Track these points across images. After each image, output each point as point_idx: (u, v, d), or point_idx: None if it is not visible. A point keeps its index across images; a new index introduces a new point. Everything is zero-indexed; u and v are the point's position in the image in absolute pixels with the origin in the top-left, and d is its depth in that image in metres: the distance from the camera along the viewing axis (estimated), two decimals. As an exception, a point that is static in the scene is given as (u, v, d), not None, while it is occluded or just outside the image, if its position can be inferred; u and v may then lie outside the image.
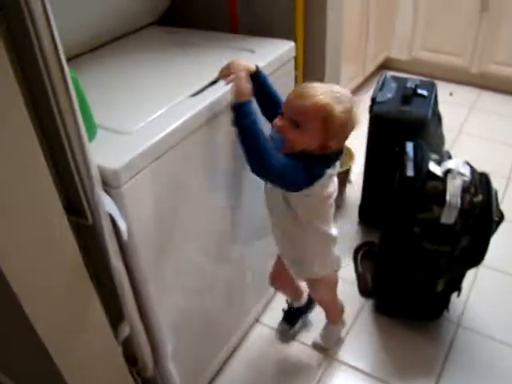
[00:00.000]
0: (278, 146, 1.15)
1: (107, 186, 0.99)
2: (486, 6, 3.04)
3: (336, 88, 1.16)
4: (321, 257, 1.42)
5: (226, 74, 1.22)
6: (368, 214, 2.27)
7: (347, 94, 1.17)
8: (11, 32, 0.78)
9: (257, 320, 1.87)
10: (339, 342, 1.78)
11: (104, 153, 1.01)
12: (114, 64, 1.45)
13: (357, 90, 3.16)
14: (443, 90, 3.29)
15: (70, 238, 0.95)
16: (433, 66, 3.41)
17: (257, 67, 1.24)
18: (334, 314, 1.71)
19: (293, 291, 1.76)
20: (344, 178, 2.29)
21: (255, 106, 1.18)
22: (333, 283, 1.58)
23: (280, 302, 1.88)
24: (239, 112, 1.12)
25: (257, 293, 1.81)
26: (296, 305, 1.81)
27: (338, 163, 1.27)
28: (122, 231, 1.00)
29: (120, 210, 1.00)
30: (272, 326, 1.85)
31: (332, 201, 1.32)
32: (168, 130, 1.08)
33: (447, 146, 2.58)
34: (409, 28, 3.36)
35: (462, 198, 1.45)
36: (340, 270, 1.52)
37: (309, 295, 1.79)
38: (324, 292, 1.61)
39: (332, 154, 1.21)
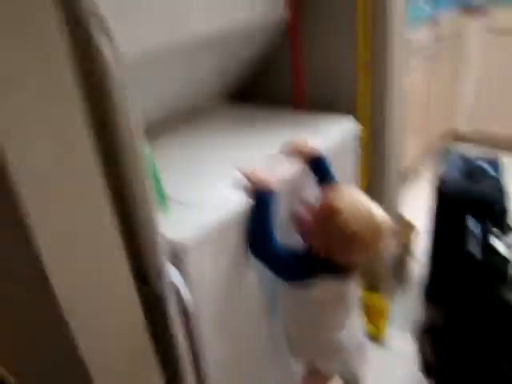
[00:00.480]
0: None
1: (174, 257, 1.04)
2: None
3: (368, 205, 1.16)
4: (316, 354, 1.39)
5: (289, 151, 1.32)
6: (432, 290, 2.20)
7: (376, 215, 1.15)
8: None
9: None
10: None
11: (173, 225, 1.07)
12: (184, 140, 1.56)
13: (419, 163, 3.15)
14: (509, 161, 3.24)
15: (135, 303, 0.99)
16: (498, 137, 3.37)
17: (321, 155, 1.32)
18: None
19: None
20: (406, 250, 2.26)
21: (275, 200, 1.21)
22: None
23: None
24: (260, 198, 1.18)
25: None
26: None
27: (352, 281, 1.27)
28: (187, 303, 1.03)
29: (185, 282, 1.05)
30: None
31: (334, 309, 1.30)
32: (234, 206, 1.14)
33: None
34: (472, 99, 3.36)
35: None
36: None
37: None
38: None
39: (339, 265, 1.20)
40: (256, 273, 1.33)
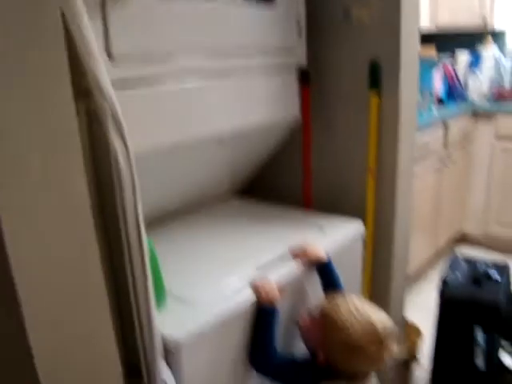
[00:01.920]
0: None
1: (167, 354, 1.02)
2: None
3: (367, 315, 1.14)
4: None
5: (297, 253, 1.33)
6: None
7: (378, 325, 1.13)
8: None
9: None
10: None
11: (169, 321, 1.06)
12: (189, 231, 1.57)
13: (427, 265, 3.12)
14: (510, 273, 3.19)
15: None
16: (508, 242, 3.34)
17: (328, 259, 1.34)
18: None
19: None
20: (411, 355, 2.19)
21: (278, 314, 1.21)
22: None
23: None
24: (261, 312, 1.18)
25: None
26: None
27: None
28: (176, 401, 1.00)
29: (176, 379, 1.02)
30: None
31: None
32: (233, 305, 1.13)
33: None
34: (481, 203, 3.38)
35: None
36: None
37: None
38: None
39: (341, 374, 1.17)
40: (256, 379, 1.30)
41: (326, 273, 1.35)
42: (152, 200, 1.54)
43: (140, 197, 0.91)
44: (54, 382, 0.81)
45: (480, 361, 1.46)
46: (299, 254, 1.34)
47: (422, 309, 2.34)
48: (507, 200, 3.29)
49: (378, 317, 1.15)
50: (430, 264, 3.14)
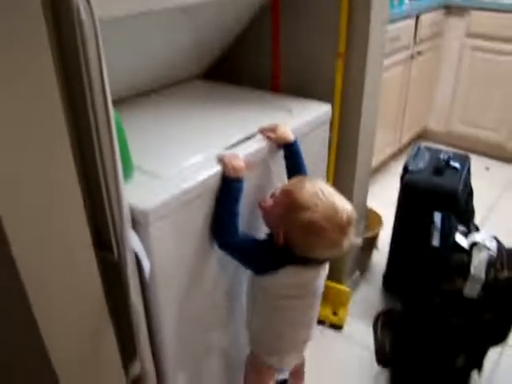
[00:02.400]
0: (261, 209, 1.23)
1: (136, 225, 1.03)
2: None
3: (331, 200, 1.14)
4: (266, 337, 1.37)
5: (267, 130, 1.32)
6: (392, 281, 2.24)
7: (340, 210, 1.12)
8: (65, 69, 0.86)
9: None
10: None
11: (137, 193, 1.06)
12: (157, 111, 1.54)
13: (391, 158, 3.20)
14: (480, 164, 3.31)
15: (94, 270, 0.98)
16: (470, 140, 3.43)
17: (295, 140, 1.33)
18: None
19: None
20: (371, 243, 2.30)
21: (242, 186, 1.21)
22: (257, 374, 1.44)
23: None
24: (227, 184, 1.19)
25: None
26: None
27: (321, 271, 1.26)
28: (145, 270, 1.03)
29: (145, 250, 1.04)
30: None
31: (300, 302, 1.29)
32: (198, 180, 1.13)
33: (477, 222, 2.56)
34: (447, 101, 3.41)
35: (487, 272, 1.44)
36: (275, 374, 1.44)
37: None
38: (247, 374, 1.49)
39: (300, 256, 1.18)
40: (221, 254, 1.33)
41: (292, 155, 1.34)
42: (117, 78, 1.48)
43: (105, 64, 0.87)
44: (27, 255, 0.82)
45: (436, 241, 1.53)
46: (268, 133, 1.32)
47: (385, 199, 2.42)
48: (472, 99, 3.33)
49: (342, 203, 1.14)
50: (393, 158, 3.21)
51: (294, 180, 1.24)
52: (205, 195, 1.16)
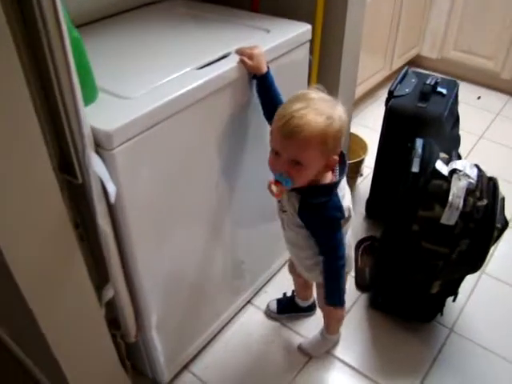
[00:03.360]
0: (289, 186, 1.14)
1: (100, 148, 1.00)
2: (524, 10, 2.96)
3: (319, 104, 1.09)
4: None
5: (243, 54, 1.26)
6: (375, 208, 2.24)
7: (314, 96, 1.11)
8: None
9: (249, 301, 1.87)
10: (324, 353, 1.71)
11: (101, 115, 1.01)
12: (129, 32, 1.46)
13: (380, 85, 3.11)
14: (471, 93, 3.25)
15: (55, 192, 0.95)
16: (463, 67, 3.34)
17: (268, 70, 1.27)
18: (334, 322, 1.63)
19: (301, 289, 1.75)
20: (355, 169, 2.27)
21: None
22: None
23: (275, 288, 1.89)
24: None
25: (252, 274, 1.81)
26: (297, 301, 1.80)
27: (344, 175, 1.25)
28: (110, 193, 1.00)
29: (111, 173, 1.01)
30: (263, 308, 1.85)
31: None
32: (166, 99, 1.08)
33: (466, 149, 2.53)
34: (442, 26, 3.28)
35: (465, 201, 1.42)
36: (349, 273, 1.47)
37: (313, 302, 1.79)
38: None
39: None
40: (204, 175, 1.31)
41: (265, 85, 1.28)
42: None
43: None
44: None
45: (416, 167, 1.51)
46: (245, 57, 1.25)
47: (371, 126, 2.38)
48: (467, 25, 3.20)
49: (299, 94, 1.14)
50: (383, 85, 3.13)
51: (287, 131, 1.08)
52: (175, 116, 1.11)
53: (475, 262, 1.52)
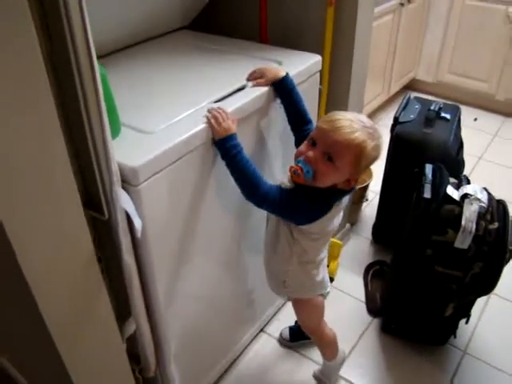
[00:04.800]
0: (308, 178, 1.13)
1: (125, 183, 1.00)
2: (516, 34, 3.04)
3: (367, 122, 1.14)
4: (303, 279, 1.37)
5: (255, 76, 1.30)
6: (382, 233, 2.26)
7: (376, 128, 1.15)
8: (46, 24, 0.81)
9: (262, 330, 1.86)
10: (337, 379, 1.70)
11: (125, 150, 1.02)
12: (143, 65, 1.48)
13: (379, 109, 3.16)
14: (468, 115, 3.29)
15: (84, 231, 0.96)
16: (458, 90, 3.40)
17: (286, 73, 1.30)
18: (323, 344, 1.62)
19: None
20: (361, 194, 2.29)
21: (237, 141, 1.15)
22: (316, 308, 1.48)
23: (287, 315, 1.89)
24: (221, 148, 1.14)
25: (264, 303, 1.81)
26: None
27: (347, 197, 1.26)
28: (136, 228, 1.01)
29: (136, 208, 1.02)
30: (276, 336, 1.85)
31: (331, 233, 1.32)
32: (189, 134, 1.10)
33: (466, 171, 2.56)
34: (436, 50, 3.36)
35: (478, 224, 1.44)
36: (326, 297, 1.49)
37: None
38: (307, 316, 1.53)
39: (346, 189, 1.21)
40: (221, 207, 1.32)
41: (288, 91, 1.30)
42: (97, 32, 1.43)
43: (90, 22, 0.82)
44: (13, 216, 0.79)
45: (427, 193, 1.53)
46: (258, 76, 1.29)
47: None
48: (461, 48, 3.28)
49: (360, 115, 1.17)
50: (382, 109, 3.18)
51: (331, 131, 1.11)
52: (195, 150, 1.13)
53: (488, 283, 1.53)
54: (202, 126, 1.12)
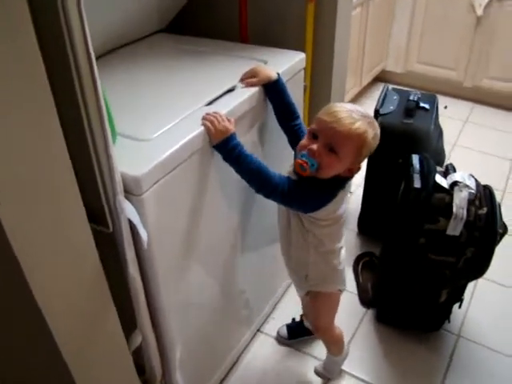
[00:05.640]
0: (313, 171, 1.14)
1: (128, 194, 0.99)
2: (479, 22, 3.11)
3: (365, 112, 1.16)
4: (324, 270, 1.38)
5: (247, 77, 1.30)
6: (367, 224, 2.28)
7: (373, 117, 1.18)
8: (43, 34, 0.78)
9: (259, 330, 1.86)
10: (340, 372, 1.72)
11: (124, 160, 1.00)
12: (124, 71, 1.45)
13: (353, 101, 3.19)
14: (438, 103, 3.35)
15: (91, 246, 0.94)
16: (427, 79, 3.46)
17: (278, 74, 1.30)
18: (332, 342, 1.62)
19: (309, 309, 1.73)
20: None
21: (237, 140, 1.15)
22: (333, 303, 1.50)
23: (282, 314, 1.90)
24: (222, 150, 1.14)
25: (259, 301, 1.81)
26: (306, 324, 1.79)
27: (350, 182, 1.28)
28: (143, 239, 0.99)
29: (140, 218, 1.00)
30: (273, 335, 1.84)
31: (344, 219, 1.32)
32: (187, 139, 1.08)
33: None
34: (404, 41, 3.41)
35: (468, 210, 1.47)
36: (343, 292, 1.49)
37: None
38: (326, 311, 1.52)
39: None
40: (223, 208, 1.31)
41: (279, 92, 1.32)
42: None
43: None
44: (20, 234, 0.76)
45: (417, 183, 1.55)
46: (250, 76, 1.30)
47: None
48: (428, 38, 3.34)
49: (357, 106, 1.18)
50: (355, 101, 3.21)
51: (331, 122, 1.11)
52: (194, 155, 1.11)
53: (481, 267, 1.57)
54: (198, 130, 1.11)
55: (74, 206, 0.87)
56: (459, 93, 3.43)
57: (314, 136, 1.15)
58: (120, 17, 1.53)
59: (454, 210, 1.47)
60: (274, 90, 1.31)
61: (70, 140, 0.88)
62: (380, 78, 3.57)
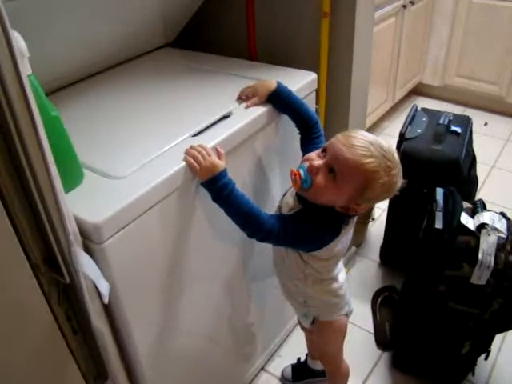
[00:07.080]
0: (304, 188, 1.02)
1: (88, 241, 0.87)
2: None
3: (390, 153, 1.00)
4: (325, 297, 1.25)
5: (247, 95, 1.21)
6: (391, 254, 2.10)
7: (399, 165, 1.02)
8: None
9: (262, 368, 1.72)
10: None
11: (87, 201, 0.89)
12: (114, 92, 1.34)
13: (385, 118, 3.01)
14: (477, 120, 3.12)
15: (39, 301, 0.83)
16: (467, 94, 3.24)
17: (278, 82, 1.20)
18: (337, 375, 1.48)
19: (313, 346, 1.61)
20: (367, 214, 2.14)
21: (228, 177, 1.02)
22: (341, 328, 1.34)
23: (290, 352, 1.75)
24: (210, 189, 1.01)
25: (265, 338, 1.67)
26: (310, 364, 1.66)
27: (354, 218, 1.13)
28: (103, 293, 0.87)
29: (102, 268, 0.88)
30: (278, 375, 1.70)
31: (344, 251, 1.19)
32: (165, 176, 0.96)
33: (478, 183, 2.41)
34: (443, 53, 3.19)
35: (496, 257, 1.29)
36: (350, 317, 1.35)
37: None
38: (332, 339, 1.37)
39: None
40: (207, 251, 1.18)
41: (283, 98, 1.20)
42: (71, 53, 1.31)
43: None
44: None
45: (439, 223, 1.38)
46: (250, 95, 1.19)
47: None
48: (469, 50, 3.12)
49: (389, 146, 1.01)
50: (387, 117, 3.03)
51: (344, 145, 0.98)
52: (173, 194, 0.99)
53: (510, 320, 1.38)
54: (178, 166, 0.98)
55: (14, 258, 0.76)
56: (501, 109, 3.19)
57: (324, 151, 1.03)
58: (121, 30, 1.43)
59: (480, 256, 1.29)
60: (277, 101, 1.20)
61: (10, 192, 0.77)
62: (415, 91, 3.36)
